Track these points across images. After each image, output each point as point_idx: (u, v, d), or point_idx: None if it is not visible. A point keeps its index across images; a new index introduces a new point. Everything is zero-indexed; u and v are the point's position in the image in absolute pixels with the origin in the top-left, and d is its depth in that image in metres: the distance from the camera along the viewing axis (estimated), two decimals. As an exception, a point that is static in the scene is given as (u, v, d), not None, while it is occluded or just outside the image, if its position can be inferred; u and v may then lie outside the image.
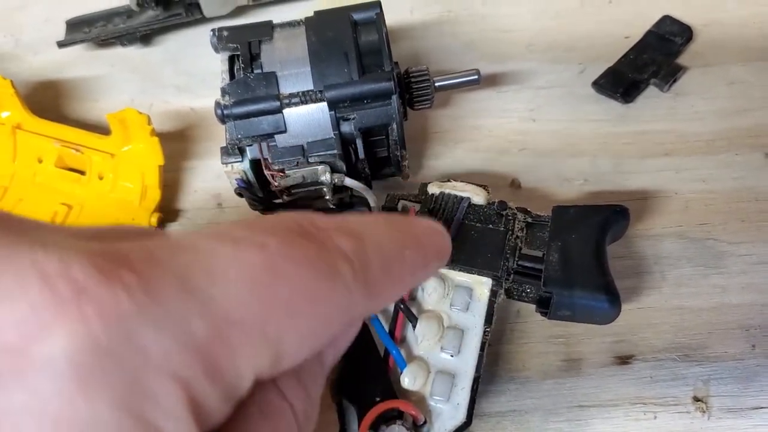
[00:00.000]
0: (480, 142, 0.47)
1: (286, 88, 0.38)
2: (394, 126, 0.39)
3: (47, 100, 0.51)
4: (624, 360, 0.39)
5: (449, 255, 0.32)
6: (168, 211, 0.45)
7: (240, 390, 0.20)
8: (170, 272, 0.19)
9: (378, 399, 0.33)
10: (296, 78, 0.38)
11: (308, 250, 0.22)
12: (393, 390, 0.33)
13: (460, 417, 0.34)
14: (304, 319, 0.21)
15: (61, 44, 0.53)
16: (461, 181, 0.40)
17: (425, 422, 0.33)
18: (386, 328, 0.35)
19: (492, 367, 0.38)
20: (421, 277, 0.29)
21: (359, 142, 0.39)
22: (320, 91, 0.38)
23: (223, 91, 0.38)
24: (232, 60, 0.40)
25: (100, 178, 0.45)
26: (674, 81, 0.47)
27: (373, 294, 0.23)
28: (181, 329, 0.18)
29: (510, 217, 0.38)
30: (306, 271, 0.21)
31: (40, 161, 0.45)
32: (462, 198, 0.38)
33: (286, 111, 0.38)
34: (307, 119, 0.38)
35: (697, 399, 0.37)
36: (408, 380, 0.34)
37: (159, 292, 0.18)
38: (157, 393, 0.18)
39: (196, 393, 0.19)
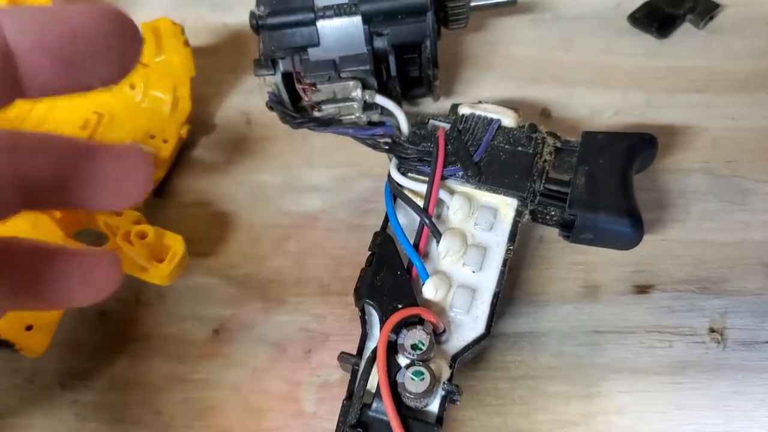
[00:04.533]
0: (512, 70, 0.46)
1: (320, 1, 0.38)
2: (428, 43, 0.38)
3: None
4: (643, 289, 0.39)
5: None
6: (197, 124, 0.46)
7: None
8: None
9: (400, 306, 0.33)
10: (331, -10, 0.38)
11: None
12: (415, 300, 0.34)
13: (479, 329, 0.34)
14: None
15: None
16: (492, 104, 0.39)
17: (444, 331, 0.34)
18: (411, 241, 0.36)
19: (511, 291, 0.39)
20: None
21: (392, 59, 0.39)
22: (355, 5, 0.38)
23: (258, 2, 0.38)
24: (267, -29, 0.40)
25: (132, 88, 0.45)
26: (710, 18, 0.47)
27: None
28: None
29: (539, 141, 0.38)
30: None
31: (73, 69, 0.46)
32: (492, 119, 0.38)
33: (320, 23, 0.38)
34: (341, 33, 0.38)
35: (713, 330, 0.38)
36: (429, 290, 0.34)
37: None
38: None
39: None
